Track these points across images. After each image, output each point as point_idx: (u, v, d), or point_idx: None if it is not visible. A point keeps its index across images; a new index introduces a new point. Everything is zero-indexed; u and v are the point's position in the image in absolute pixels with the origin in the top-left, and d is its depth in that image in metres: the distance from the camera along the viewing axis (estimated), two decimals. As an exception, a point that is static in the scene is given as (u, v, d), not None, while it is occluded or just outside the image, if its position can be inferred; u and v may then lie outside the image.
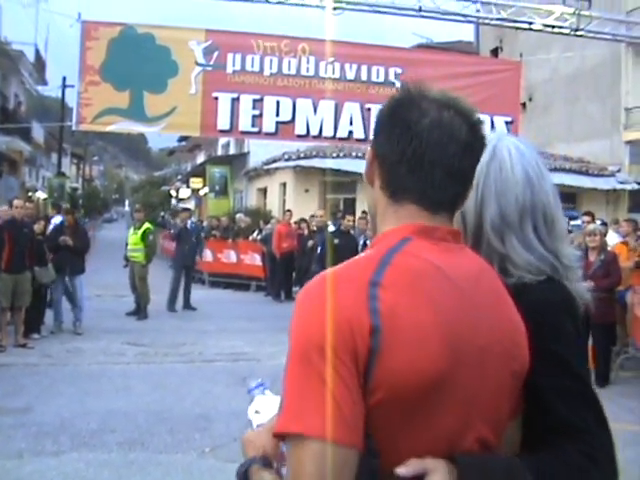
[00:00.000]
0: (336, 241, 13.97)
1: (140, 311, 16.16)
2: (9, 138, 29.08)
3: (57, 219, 15.34)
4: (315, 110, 13.25)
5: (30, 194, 40.58)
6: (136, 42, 12.56)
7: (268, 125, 13.29)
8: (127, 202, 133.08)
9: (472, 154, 1.70)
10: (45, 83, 40.50)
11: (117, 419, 8.09)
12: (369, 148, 1.76)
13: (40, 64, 36.01)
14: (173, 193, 57.24)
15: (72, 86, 13.18)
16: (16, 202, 13.28)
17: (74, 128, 13.66)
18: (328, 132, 13.42)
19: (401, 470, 1.45)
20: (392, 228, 1.68)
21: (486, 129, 1.71)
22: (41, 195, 40.05)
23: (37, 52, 34.16)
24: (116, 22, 13.00)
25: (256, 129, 13.35)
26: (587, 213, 13.50)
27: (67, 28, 12.85)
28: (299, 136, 13.56)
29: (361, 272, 1.52)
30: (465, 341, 1.54)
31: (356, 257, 1.63)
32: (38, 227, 13.40)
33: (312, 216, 17.03)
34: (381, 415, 1.46)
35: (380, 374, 1.43)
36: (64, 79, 33.64)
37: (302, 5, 13.28)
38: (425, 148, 1.64)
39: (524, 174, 1.95)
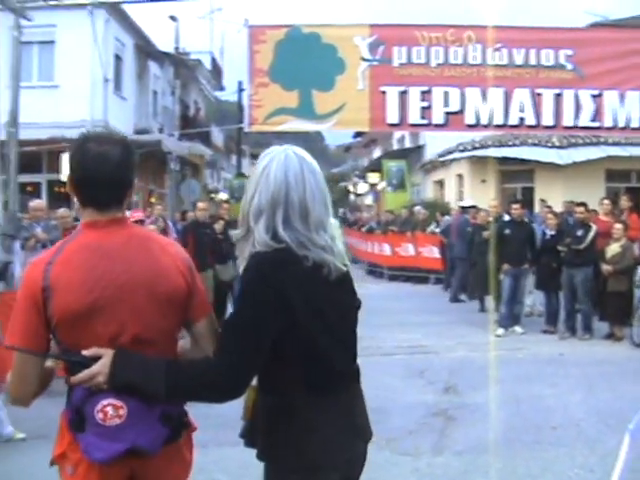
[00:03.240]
0: (507, 231, 13.69)
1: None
2: (191, 143, 30.17)
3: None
4: (484, 98, 13.03)
5: (212, 195, 42.02)
6: (302, 42, 12.75)
7: (437, 116, 13.15)
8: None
9: (126, 168, 2.84)
10: (222, 89, 41.73)
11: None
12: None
13: (217, 71, 37.14)
14: (351, 189, 57.66)
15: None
16: (200, 205, 13.87)
17: (246, 129, 14.03)
18: (498, 120, 13.12)
19: (85, 352, 2.65)
20: (79, 225, 2.90)
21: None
22: (223, 196, 41.37)
23: (213, 60, 35.27)
24: (282, 24, 13.25)
25: (425, 121, 13.25)
26: None
27: (237, 34, 13.25)
28: (469, 126, 13.35)
29: (46, 256, 2.77)
30: (107, 282, 2.69)
31: (56, 244, 2.90)
32: (218, 226, 13.88)
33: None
34: (61, 330, 2.70)
35: (52, 309, 2.66)
36: (240, 83, 34.53)
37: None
38: (91, 173, 2.76)
39: (283, 177, 2.73)
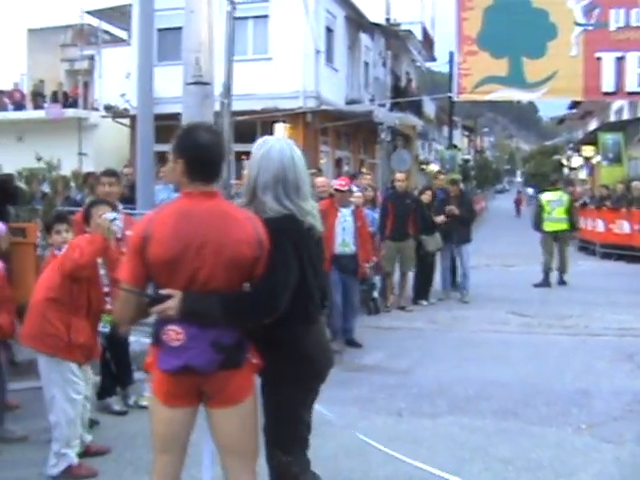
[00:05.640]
0: None
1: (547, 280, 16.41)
2: (402, 114, 30.19)
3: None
4: None
5: (423, 167, 41.96)
6: (512, 8, 12.34)
7: (657, 84, 12.44)
8: (518, 172, 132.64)
9: (219, 154, 3.76)
10: (433, 59, 41.50)
11: (494, 387, 8.12)
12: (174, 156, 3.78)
13: (428, 41, 36.98)
14: (564, 162, 56.21)
15: (457, 59, 13.46)
16: (398, 176, 14.01)
17: (454, 99, 13.90)
18: None
19: (162, 291, 3.57)
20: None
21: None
22: (434, 167, 41.26)
23: (424, 30, 35.09)
24: (491, -10, 12.90)
25: (644, 89, 12.59)
26: None
27: (445, 2, 13.12)
28: (693, 94, 12.58)
29: (151, 214, 3.71)
30: (188, 240, 3.53)
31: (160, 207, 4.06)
32: (426, 197, 13.87)
33: None
34: (153, 272, 3.60)
35: (147, 255, 3.54)
36: (451, 54, 34.16)
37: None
38: (200, 155, 3.67)
39: (279, 160, 3.81)
